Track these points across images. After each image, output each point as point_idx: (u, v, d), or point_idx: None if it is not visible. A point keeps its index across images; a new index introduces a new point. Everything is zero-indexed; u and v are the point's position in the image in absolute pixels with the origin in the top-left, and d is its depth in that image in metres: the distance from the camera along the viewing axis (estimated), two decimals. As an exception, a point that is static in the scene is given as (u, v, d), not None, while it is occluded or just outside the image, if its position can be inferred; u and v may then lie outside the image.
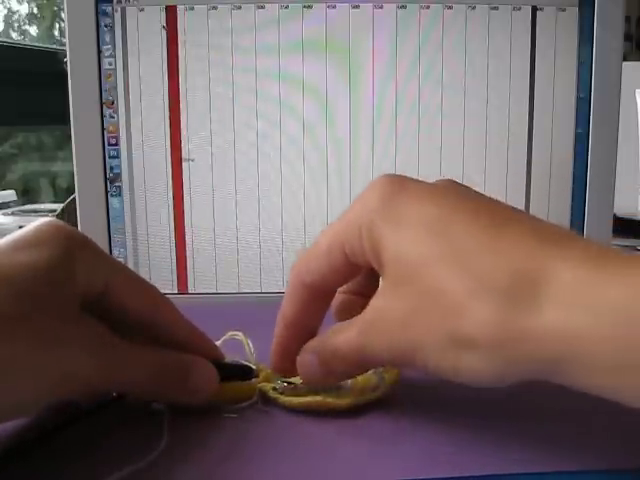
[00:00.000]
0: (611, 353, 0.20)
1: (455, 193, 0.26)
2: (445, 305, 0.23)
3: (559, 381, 0.22)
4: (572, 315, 0.21)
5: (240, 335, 0.33)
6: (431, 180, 0.28)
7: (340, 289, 0.30)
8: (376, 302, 0.26)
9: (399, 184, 0.26)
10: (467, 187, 0.27)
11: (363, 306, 0.27)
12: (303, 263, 0.29)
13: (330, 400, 0.29)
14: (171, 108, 0.48)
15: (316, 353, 0.28)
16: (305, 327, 0.30)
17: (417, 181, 0.27)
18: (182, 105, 0.48)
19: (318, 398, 0.29)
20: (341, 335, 0.27)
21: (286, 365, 0.30)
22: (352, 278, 0.29)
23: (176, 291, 0.49)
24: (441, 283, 0.24)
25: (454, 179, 0.28)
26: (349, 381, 0.31)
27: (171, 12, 0.47)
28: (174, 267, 0.49)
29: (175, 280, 0.49)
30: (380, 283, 0.27)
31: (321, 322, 0.31)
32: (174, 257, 0.49)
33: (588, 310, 0.21)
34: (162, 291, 0.29)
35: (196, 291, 0.49)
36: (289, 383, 0.30)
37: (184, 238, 0.48)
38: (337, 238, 0.27)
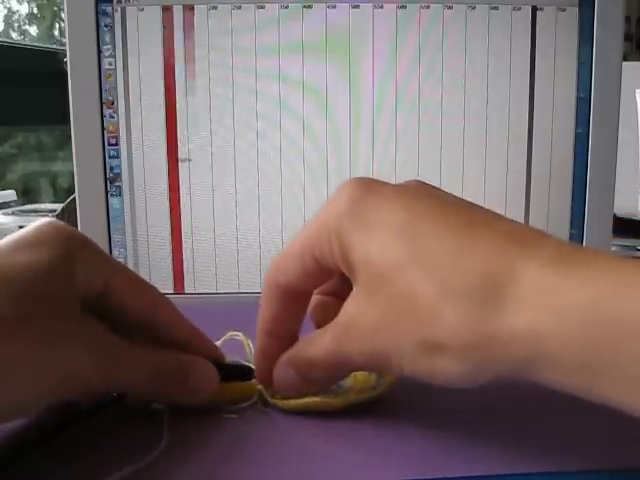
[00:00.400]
0: (579, 353, 0.21)
1: (424, 195, 0.26)
2: (416, 310, 0.23)
3: (533, 380, 0.22)
4: (540, 316, 0.21)
5: (240, 335, 0.33)
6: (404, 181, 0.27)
7: (316, 290, 0.30)
8: (349, 307, 0.26)
9: (367, 187, 0.26)
10: (436, 188, 0.27)
11: (338, 308, 0.27)
12: (279, 264, 0.29)
13: (328, 400, 0.29)
14: (168, 108, 0.48)
15: (291, 364, 0.28)
16: (285, 331, 0.30)
17: (385, 184, 0.27)
18: (182, 105, 0.48)
19: (316, 399, 0.29)
20: (315, 343, 0.27)
21: (270, 374, 0.29)
22: (326, 280, 0.29)
23: (172, 291, 0.49)
24: (412, 287, 0.23)
25: (423, 180, 0.27)
26: (348, 381, 0.31)
27: (168, 11, 0.47)
28: (171, 267, 0.49)
29: (172, 280, 0.49)
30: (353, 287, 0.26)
31: (300, 326, 0.30)
32: (172, 257, 0.49)
33: (555, 311, 0.21)
34: (162, 291, 0.29)
35: (196, 291, 0.49)
36: None
37: (181, 238, 0.48)
38: (308, 241, 0.27)
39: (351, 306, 0.26)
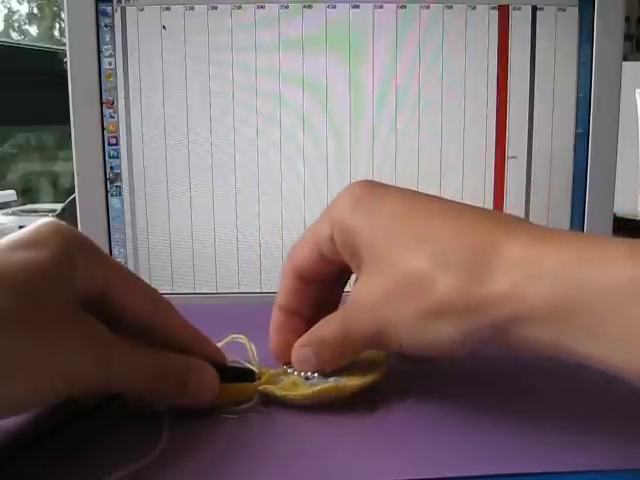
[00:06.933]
0: (551, 308, 0.24)
1: (418, 193, 0.30)
2: (414, 283, 0.26)
3: (512, 341, 0.25)
4: (520, 280, 0.24)
5: (243, 338, 0.33)
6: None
7: None
8: (354, 289, 0.29)
9: (368, 185, 0.30)
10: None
11: None
12: (294, 247, 0.32)
13: (341, 383, 0.29)
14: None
15: (308, 343, 0.31)
16: (295, 309, 0.32)
17: (384, 184, 0.30)
18: (184, 104, 0.48)
19: (329, 383, 0.29)
20: (328, 323, 0.30)
21: (282, 348, 0.32)
22: (327, 271, 0.31)
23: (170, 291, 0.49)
24: (409, 264, 0.27)
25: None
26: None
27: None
28: (174, 267, 0.49)
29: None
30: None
31: (313, 312, 0.32)
32: (173, 257, 0.49)
33: (532, 275, 0.24)
34: (162, 292, 0.29)
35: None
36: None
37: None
38: (311, 234, 0.31)
39: (356, 288, 0.29)
